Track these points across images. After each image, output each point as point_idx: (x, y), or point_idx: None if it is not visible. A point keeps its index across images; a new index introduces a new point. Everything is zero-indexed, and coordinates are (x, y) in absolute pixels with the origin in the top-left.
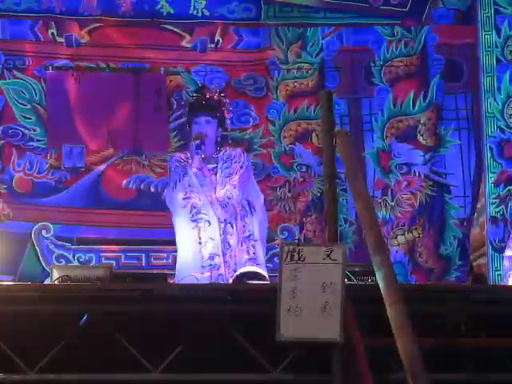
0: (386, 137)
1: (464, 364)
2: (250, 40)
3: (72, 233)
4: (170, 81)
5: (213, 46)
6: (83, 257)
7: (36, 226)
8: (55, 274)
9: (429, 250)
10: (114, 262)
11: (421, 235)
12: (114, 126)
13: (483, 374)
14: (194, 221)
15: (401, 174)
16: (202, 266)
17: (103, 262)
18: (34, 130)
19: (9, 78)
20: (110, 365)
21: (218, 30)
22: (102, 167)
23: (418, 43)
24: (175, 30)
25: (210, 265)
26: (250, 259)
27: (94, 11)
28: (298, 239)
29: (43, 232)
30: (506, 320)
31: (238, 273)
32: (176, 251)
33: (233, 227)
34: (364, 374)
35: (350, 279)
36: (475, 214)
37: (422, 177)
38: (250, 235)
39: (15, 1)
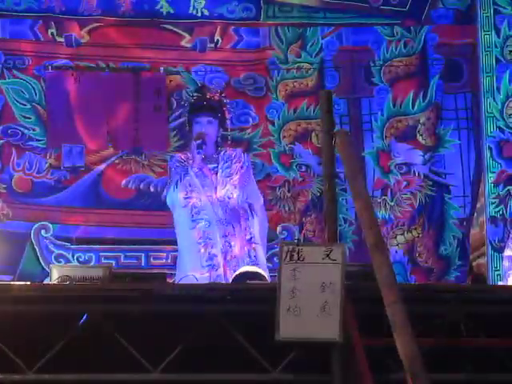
0: (386, 137)
1: (464, 364)
2: (249, 40)
3: (71, 232)
4: (170, 80)
5: (212, 45)
6: (83, 256)
7: (35, 226)
8: (55, 274)
9: (428, 250)
10: (113, 262)
11: (420, 235)
12: (113, 125)
13: (483, 374)
14: (193, 221)
15: (400, 173)
16: (202, 266)
17: (103, 261)
18: (34, 130)
19: (8, 78)
20: (109, 365)
21: (218, 29)
22: (101, 167)
23: (418, 43)
24: (175, 29)
25: (209, 265)
26: (251, 262)
27: (94, 11)
28: (298, 239)
29: (43, 232)
30: (505, 320)
31: (237, 272)
32: (175, 251)
33: (234, 229)
34: (363, 373)
35: (349, 279)
36: (475, 214)
37: (422, 177)
38: (251, 238)
39: (15, 0)
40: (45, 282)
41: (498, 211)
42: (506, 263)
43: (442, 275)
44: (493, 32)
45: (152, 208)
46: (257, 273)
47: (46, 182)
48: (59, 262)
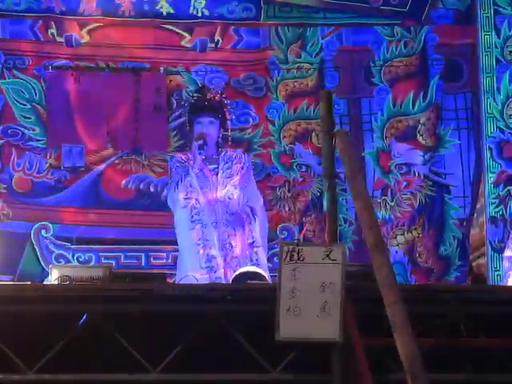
0: (386, 137)
1: (463, 364)
2: (249, 40)
3: (71, 232)
4: (170, 80)
5: (212, 45)
6: (83, 256)
7: (35, 226)
8: (54, 274)
9: (428, 250)
10: (113, 262)
11: (420, 235)
12: (113, 125)
13: (483, 374)
14: (193, 221)
15: (400, 174)
16: (201, 267)
17: (103, 261)
18: (34, 130)
19: (8, 78)
20: (109, 365)
21: (218, 29)
22: (101, 167)
23: (418, 43)
24: (175, 29)
25: (208, 267)
26: (253, 265)
27: (94, 11)
28: (298, 239)
29: (43, 232)
30: (505, 320)
31: (237, 273)
32: (175, 251)
33: (236, 231)
34: (363, 373)
35: (349, 279)
36: (475, 215)
37: (422, 177)
38: (253, 242)
39: (15, 0)
40: (45, 282)
41: (498, 211)
42: (505, 263)
43: (442, 275)
44: (493, 32)
45: (152, 208)
46: (257, 273)
47: (46, 182)
48: (59, 262)
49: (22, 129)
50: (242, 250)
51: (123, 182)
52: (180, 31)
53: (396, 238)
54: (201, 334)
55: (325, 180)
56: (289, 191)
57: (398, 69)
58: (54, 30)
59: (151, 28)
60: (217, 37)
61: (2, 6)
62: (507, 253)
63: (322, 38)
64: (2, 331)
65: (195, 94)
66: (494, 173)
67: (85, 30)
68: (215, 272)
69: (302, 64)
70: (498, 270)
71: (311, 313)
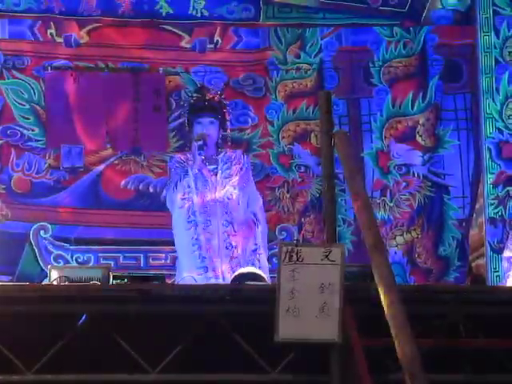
0: (385, 137)
1: (463, 365)
2: (249, 40)
3: (70, 233)
4: (169, 81)
5: (212, 46)
6: (81, 257)
7: (34, 226)
8: (53, 275)
9: (427, 251)
10: (112, 263)
11: (419, 236)
12: (112, 126)
13: (482, 374)
14: (190, 221)
15: (399, 174)
16: (197, 267)
17: (101, 262)
18: (33, 130)
19: (8, 78)
20: (108, 365)
21: (217, 30)
22: (100, 167)
23: (417, 44)
24: (174, 30)
25: (206, 266)
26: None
27: (94, 11)
28: (297, 240)
29: (41, 232)
30: (504, 321)
31: (236, 273)
32: (174, 252)
33: (234, 227)
34: (362, 374)
35: (348, 280)
36: (474, 215)
37: (421, 177)
38: (256, 249)
39: (15, 1)
40: (44, 282)
41: (497, 212)
42: (504, 264)
43: (441, 276)
44: (492, 33)
45: (151, 208)
46: (256, 274)
47: (45, 183)
48: (58, 262)
49: (21, 129)
50: (243, 251)
51: (122, 182)
52: (179, 32)
53: (395, 238)
54: (200, 335)
55: (324, 180)
56: (288, 192)
57: (398, 69)
58: (53, 31)
59: (150, 28)
60: (216, 37)
61: (1, 7)
62: (506, 253)
63: (322, 39)
64: (0, 332)
65: (194, 95)
66: (493, 173)
67: (84, 30)
68: (213, 271)
69: (302, 64)
70: (497, 271)
71: (310, 313)
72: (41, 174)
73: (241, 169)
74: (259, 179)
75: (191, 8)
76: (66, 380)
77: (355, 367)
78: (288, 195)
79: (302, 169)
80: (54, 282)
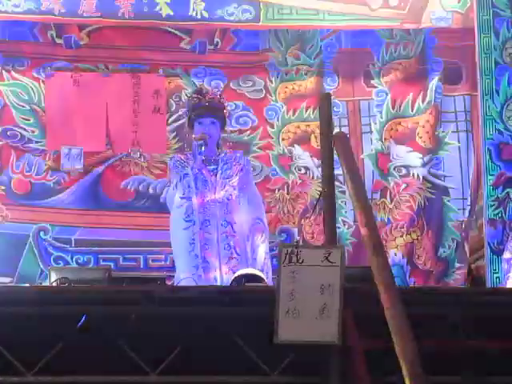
0: (385, 139)
1: (463, 366)
2: (249, 42)
3: (70, 234)
4: (169, 82)
5: (212, 47)
6: (81, 258)
7: (34, 228)
8: (53, 276)
9: (427, 253)
10: (112, 264)
11: (419, 237)
12: (112, 127)
13: (482, 376)
14: (188, 221)
15: (399, 176)
16: (194, 266)
17: (101, 263)
18: (33, 132)
19: (8, 80)
20: (108, 367)
21: (217, 31)
22: (100, 168)
23: (417, 45)
24: (174, 31)
25: (203, 266)
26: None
27: (93, 13)
28: (297, 241)
29: (41, 233)
30: (504, 322)
31: (236, 274)
32: None
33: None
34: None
35: (348, 281)
36: (474, 217)
37: (421, 179)
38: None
39: (14, 2)
40: (43, 284)
41: (497, 214)
42: (504, 265)
43: (441, 277)
44: (492, 35)
45: (151, 210)
46: (256, 275)
47: (45, 184)
48: (58, 263)
49: (21, 130)
50: (242, 252)
51: (122, 183)
52: (179, 33)
53: (395, 240)
54: (199, 336)
55: (324, 182)
56: (288, 193)
57: (397, 71)
58: (53, 32)
59: (150, 30)
60: (216, 39)
61: (1, 8)
62: (506, 255)
63: (322, 40)
64: (0, 333)
65: (194, 95)
66: (492, 175)
67: (84, 31)
68: (210, 271)
69: (302, 66)
70: (497, 272)
71: (310, 315)
72: (41, 175)
73: (241, 169)
74: (259, 181)
75: (191, 9)
76: (65, 381)
77: (355, 369)
78: (288, 197)
79: (302, 170)
80: (54, 284)
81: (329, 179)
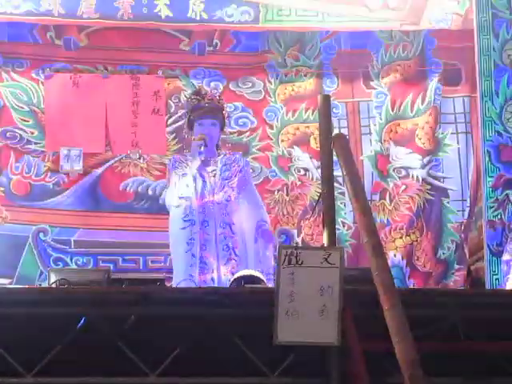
0: (384, 140)
1: (462, 368)
2: (248, 43)
3: (70, 236)
4: (168, 83)
5: (211, 48)
6: (81, 260)
7: (34, 229)
8: (52, 278)
9: (427, 254)
10: (111, 265)
11: (419, 239)
12: (112, 128)
13: (481, 378)
14: (186, 221)
15: (399, 177)
16: (191, 266)
17: (101, 265)
18: (32, 133)
19: (7, 81)
20: (107, 368)
21: (217, 33)
22: (99, 170)
23: (416, 47)
24: (173, 32)
25: (199, 267)
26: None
27: (93, 14)
28: (296, 243)
29: (41, 235)
30: (504, 324)
31: (236, 276)
32: None
33: (232, 228)
34: (362, 377)
35: (347, 283)
36: (473, 218)
37: (420, 180)
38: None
39: (14, 3)
40: (43, 285)
41: (497, 215)
42: (504, 267)
43: (440, 279)
44: (491, 36)
45: (150, 211)
46: (255, 276)
47: (44, 185)
48: (57, 265)
49: (21, 132)
50: (241, 253)
51: (121, 184)
52: (178, 34)
53: (394, 241)
54: (199, 338)
55: (323, 184)
56: (287, 195)
57: (397, 72)
58: (52, 33)
59: (150, 31)
60: (215, 40)
61: (0, 9)
62: (505, 256)
63: (321, 42)
64: (0, 334)
65: (193, 96)
66: (492, 176)
67: (83, 33)
68: (207, 272)
69: (301, 67)
70: (497, 274)
71: (310, 316)
72: (40, 176)
73: (240, 171)
74: (258, 182)
75: (190, 11)
76: (65, 383)
77: (355, 370)
78: (287, 198)
79: (302, 172)
80: (54, 285)
81: (328, 180)
